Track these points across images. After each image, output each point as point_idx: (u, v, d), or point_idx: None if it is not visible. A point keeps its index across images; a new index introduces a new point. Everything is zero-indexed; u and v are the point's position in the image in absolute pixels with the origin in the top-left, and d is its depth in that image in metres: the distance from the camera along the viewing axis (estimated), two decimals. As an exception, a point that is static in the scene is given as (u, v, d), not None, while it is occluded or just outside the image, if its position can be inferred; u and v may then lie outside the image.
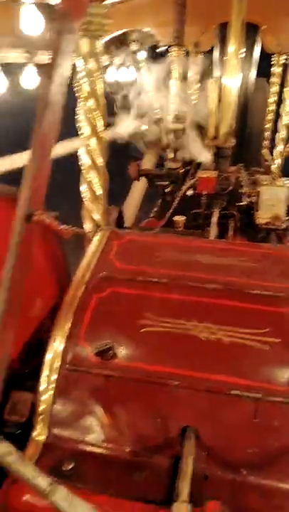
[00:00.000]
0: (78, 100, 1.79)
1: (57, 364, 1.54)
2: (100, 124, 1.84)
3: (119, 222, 2.87)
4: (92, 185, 1.94)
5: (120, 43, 4.83)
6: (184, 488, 1.20)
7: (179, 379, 1.45)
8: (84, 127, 1.83)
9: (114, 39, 4.38)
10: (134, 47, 4.88)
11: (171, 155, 3.52)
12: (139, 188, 4.39)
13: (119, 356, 1.52)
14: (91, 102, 1.77)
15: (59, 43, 1.43)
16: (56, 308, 2.52)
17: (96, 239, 1.96)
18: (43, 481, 1.09)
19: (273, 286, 1.72)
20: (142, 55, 5.19)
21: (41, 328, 2.16)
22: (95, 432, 1.46)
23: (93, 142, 1.85)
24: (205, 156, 3.34)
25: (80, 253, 2.39)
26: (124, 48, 4.87)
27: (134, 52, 4.96)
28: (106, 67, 4.80)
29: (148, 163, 4.49)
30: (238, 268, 1.85)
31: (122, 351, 1.53)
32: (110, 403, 1.48)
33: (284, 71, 4.37)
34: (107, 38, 3.77)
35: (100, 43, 1.71)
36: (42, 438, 1.46)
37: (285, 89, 4.07)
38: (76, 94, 1.78)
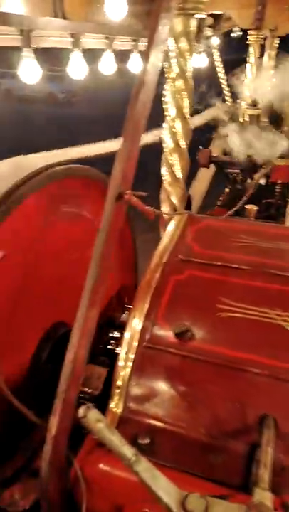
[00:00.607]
0: (167, 81, 1.78)
1: (135, 342, 1.56)
2: (186, 105, 1.82)
3: (188, 209, 2.85)
4: (173, 167, 1.93)
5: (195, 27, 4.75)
6: (265, 475, 1.17)
7: (260, 367, 1.42)
8: (170, 108, 1.82)
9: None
10: (208, 32, 4.78)
11: (243, 143, 3.41)
12: (205, 176, 4.32)
13: (198, 338, 1.51)
14: (180, 83, 1.75)
15: (155, 21, 1.42)
16: (122, 289, 2.57)
17: (174, 222, 1.95)
18: (128, 450, 1.12)
19: None
20: (216, 40, 5.07)
21: (109, 306, 2.22)
22: (170, 410, 1.47)
23: (178, 124, 1.84)
24: (281, 144, 3.20)
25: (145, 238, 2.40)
26: (198, 34, 4.78)
27: (208, 38, 4.85)
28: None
29: (216, 150, 4.40)
30: None
31: (201, 334, 1.52)
32: (187, 384, 1.48)
33: None
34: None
35: (193, 23, 1.68)
36: (119, 410, 1.50)
37: None
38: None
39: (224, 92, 5.21)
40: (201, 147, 3.55)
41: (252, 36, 3.71)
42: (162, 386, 1.49)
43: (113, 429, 1.13)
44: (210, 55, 5.18)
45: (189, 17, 1.65)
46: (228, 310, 1.56)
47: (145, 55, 1.37)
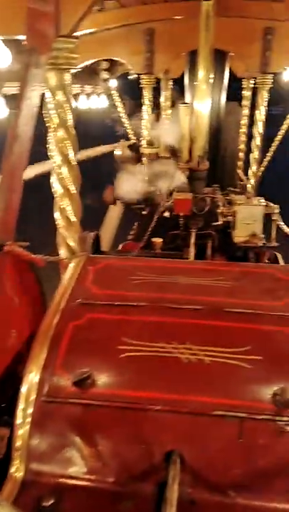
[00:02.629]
0: (49, 130, 1.82)
1: (33, 396, 1.49)
2: (71, 152, 1.87)
3: (97, 247, 2.88)
4: (65, 212, 1.95)
5: (92, 71, 4.98)
6: None
7: (161, 403, 1.43)
8: (55, 156, 1.86)
9: (85, 68, 4.50)
10: (104, 75, 5.03)
11: (146, 179, 3.58)
12: (116, 212, 4.44)
13: (99, 384, 1.49)
14: (61, 132, 1.80)
15: (26, 76, 1.46)
16: (32, 339, 2.47)
17: (71, 265, 1.95)
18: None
19: (253, 303, 1.73)
20: (113, 83, 5.35)
21: (17, 360, 2.11)
22: (76, 465, 1.42)
23: (65, 170, 1.88)
24: (180, 179, 3.40)
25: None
26: (95, 77, 5.01)
27: (105, 81, 5.10)
28: (77, 95, 4.93)
29: (123, 186, 4.55)
30: (218, 288, 1.86)
31: (101, 379, 1.50)
32: (91, 433, 1.44)
33: (254, 94, 4.55)
34: (79, 67, 3.88)
35: (68, 76, 1.76)
36: (20, 474, 1.41)
37: (256, 112, 4.23)
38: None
39: (127, 130, 5.47)
40: (108, 185, 3.65)
41: (144, 80, 3.97)
42: (65, 440, 1.44)
43: (2, 501, 1.05)
44: (110, 95, 5.46)
45: (62, 71, 1.73)
46: (128, 350, 1.57)
47: (16, 109, 1.40)
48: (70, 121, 1.81)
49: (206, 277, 1.92)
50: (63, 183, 1.89)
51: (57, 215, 1.98)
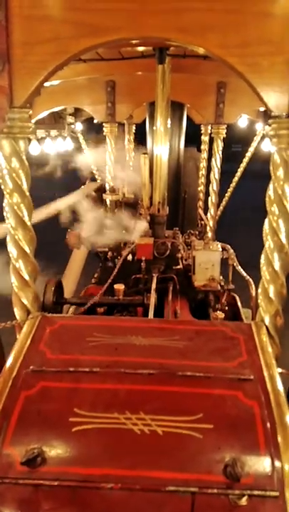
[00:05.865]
0: (4, 193, 1.83)
1: None
2: (26, 215, 1.88)
3: (59, 294, 2.85)
4: (20, 272, 1.94)
5: (57, 115, 5.07)
6: None
7: (113, 480, 1.40)
8: (10, 219, 1.86)
9: (51, 112, 4.58)
10: (70, 119, 5.13)
11: (109, 223, 3.61)
12: (79, 256, 4.44)
13: (50, 462, 1.44)
14: (16, 197, 1.81)
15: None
16: None
17: (25, 328, 1.92)
18: None
19: (204, 365, 1.75)
20: (79, 126, 5.47)
21: None
22: None
23: (20, 233, 1.88)
24: (141, 224, 3.46)
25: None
26: (60, 121, 5.11)
27: (70, 124, 5.21)
28: (43, 138, 4.99)
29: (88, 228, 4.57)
30: (172, 348, 1.87)
31: (52, 456, 1.46)
32: None
33: (211, 140, 4.77)
34: (45, 112, 3.94)
35: (22, 143, 1.78)
36: None
37: (212, 159, 4.42)
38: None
39: (93, 172, 5.55)
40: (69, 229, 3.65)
41: (107, 128, 4.08)
42: None
43: None
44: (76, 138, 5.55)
45: (17, 139, 1.76)
46: (80, 422, 1.53)
47: None
48: (25, 186, 1.83)
49: (160, 337, 1.93)
50: (18, 245, 1.89)
51: (11, 275, 1.96)
